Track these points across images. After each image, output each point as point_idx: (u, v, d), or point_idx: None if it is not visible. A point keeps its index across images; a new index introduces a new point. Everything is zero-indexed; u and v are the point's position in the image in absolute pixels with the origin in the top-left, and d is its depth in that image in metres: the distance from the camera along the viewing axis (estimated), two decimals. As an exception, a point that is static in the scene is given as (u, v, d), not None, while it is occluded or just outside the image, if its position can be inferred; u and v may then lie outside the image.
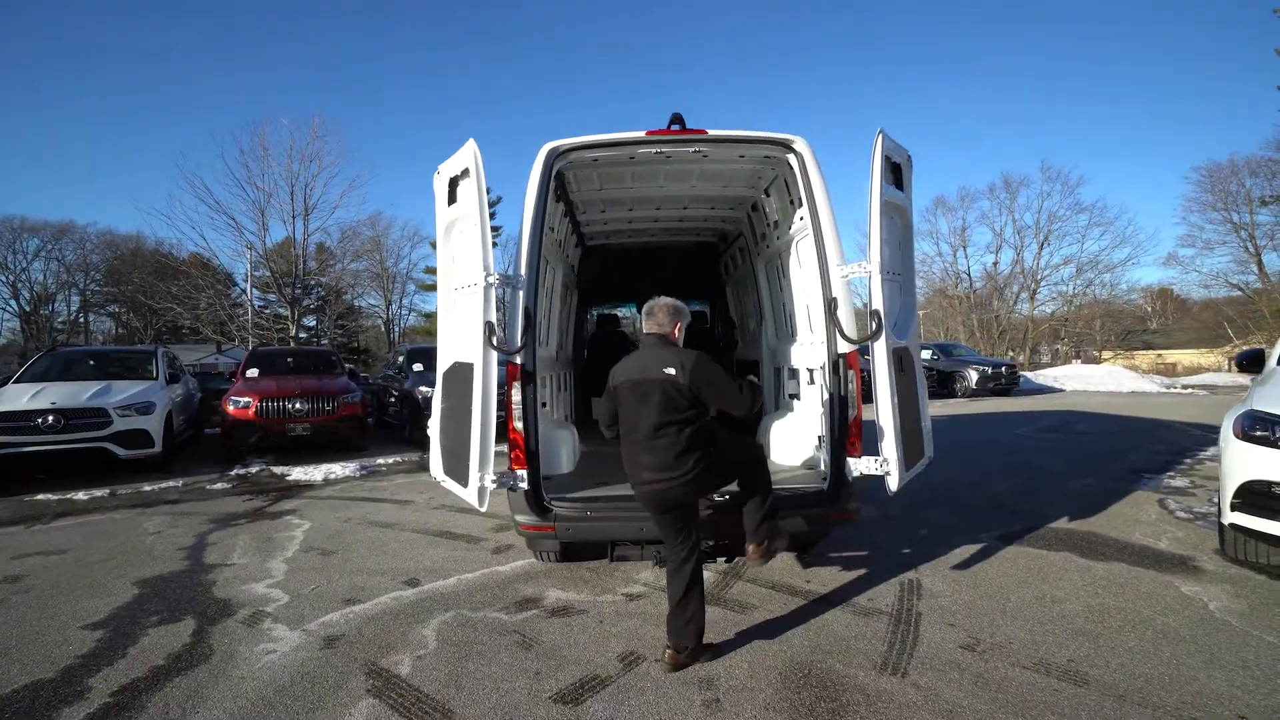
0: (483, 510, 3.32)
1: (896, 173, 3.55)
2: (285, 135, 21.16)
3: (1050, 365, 36.09)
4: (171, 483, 7.42)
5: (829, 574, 3.94)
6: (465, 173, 3.21)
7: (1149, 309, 50.08)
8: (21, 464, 7.35)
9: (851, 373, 3.25)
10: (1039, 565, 4.04)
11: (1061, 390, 20.36)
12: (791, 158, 3.54)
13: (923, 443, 3.60)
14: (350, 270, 37.29)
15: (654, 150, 3.45)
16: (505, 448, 3.45)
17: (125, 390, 8.02)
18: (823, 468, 3.79)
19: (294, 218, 20.68)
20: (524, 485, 3.21)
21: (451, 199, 3.37)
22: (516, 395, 3.25)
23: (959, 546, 4.42)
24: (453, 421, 3.34)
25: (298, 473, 7.84)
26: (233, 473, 8.01)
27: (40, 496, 6.79)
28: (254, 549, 4.82)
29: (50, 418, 7.22)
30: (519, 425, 3.24)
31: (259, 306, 23.94)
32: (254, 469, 8.19)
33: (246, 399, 8.52)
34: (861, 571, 3.98)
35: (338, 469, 7.88)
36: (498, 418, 3.25)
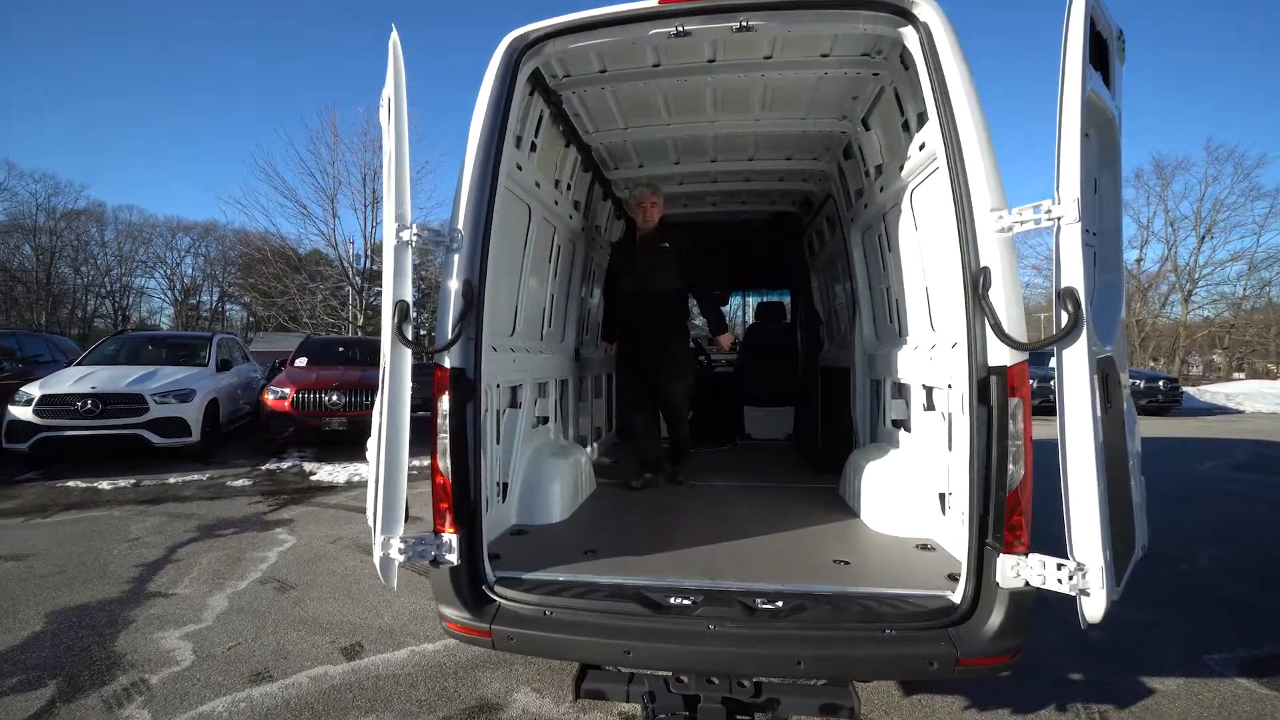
0: (393, 589, 2.21)
1: (1100, 54, 2.05)
2: (359, 121, 21.29)
3: (1202, 378, 30.58)
4: (197, 475, 7.04)
5: (950, 710, 2.48)
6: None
7: (1348, 315, 41.30)
8: (68, 447, 7.25)
9: (1017, 402, 1.80)
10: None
11: (1239, 411, 16.61)
12: (909, 37, 2.11)
13: (1133, 526, 2.09)
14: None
15: (672, 30, 2.15)
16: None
17: (168, 376, 7.80)
18: (948, 554, 2.33)
19: (365, 206, 20.90)
20: (451, 558, 2.05)
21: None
22: (445, 413, 2.09)
23: (1168, 676, 2.76)
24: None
25: (324, 472, 7.26)
26: (264, 467, 7.57)
27: (70, 483, 6.58)
28: (211, 573, 4.05)
29: (89, 402, 7.05)
30: (445, 463, 2.08)
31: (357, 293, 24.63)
32: (286, 464, 7.72)
33: (284, 390, 8.08)
34: (1004, 713, 2.49)
35: (364, 470, 7.20)
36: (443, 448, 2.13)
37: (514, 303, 3.11)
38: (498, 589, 2.07)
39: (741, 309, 11.18)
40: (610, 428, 5.40)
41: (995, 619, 1.79)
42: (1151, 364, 34.50)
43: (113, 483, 6.57)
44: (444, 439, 2.09)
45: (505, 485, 2.78)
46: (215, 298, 57.08)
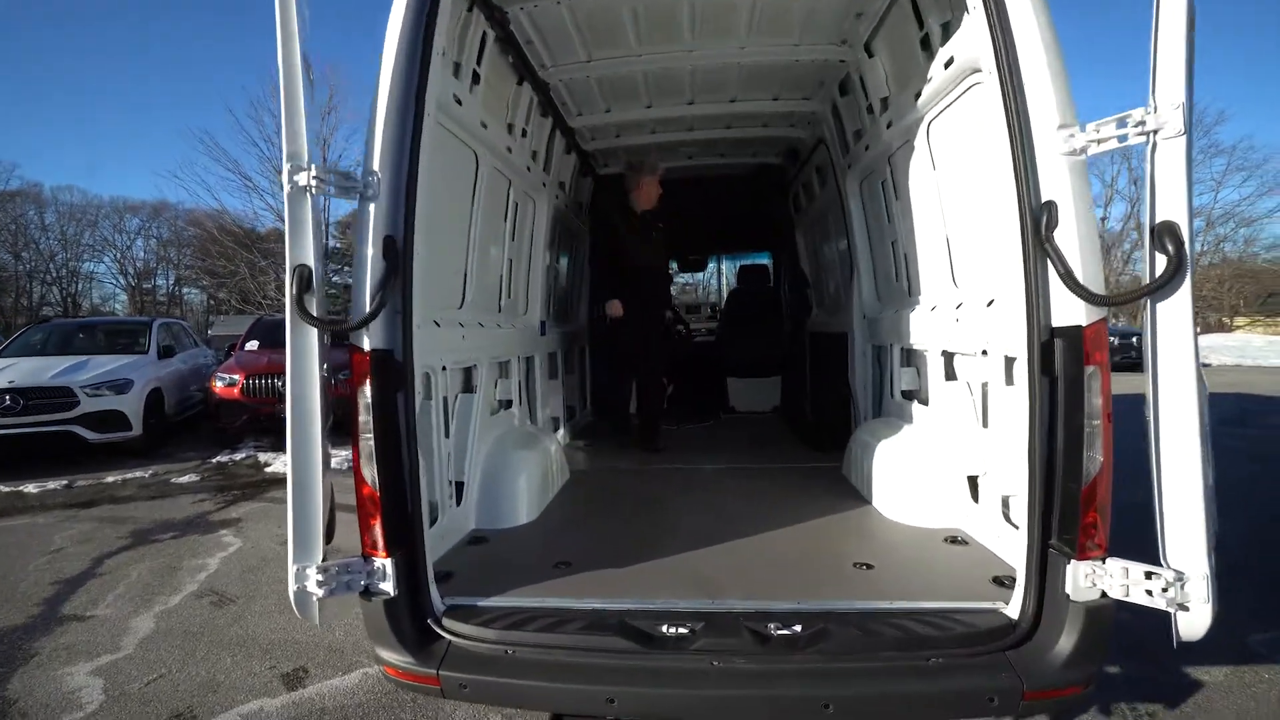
0: (318, 626, 1.80)
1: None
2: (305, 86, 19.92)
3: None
4: (139, 473, 6.46)
5: None
6: None
7: (1300, 268, 42.62)
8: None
9: (1093, 370, 1.44)
10: None
11: (1207, 365, 16.76)
12: None
13: (1205, 514, 1.76)
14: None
15: None
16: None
17: (101, 366, 7.13)
18: (984, 549, 2.00)
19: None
20: (386, 587, 1.64)
21: None
22: (367, 408, 1.66)
23: (1213, 665, 2.51)
24: None
25: (280, 463, 6.72)
26: (215, 460, 7.03)
27: (-8, 488, 5.97)
28: (140, 588, 3.59)
29: (7, 398, 6.37)
30: (371, 471, 1.65)
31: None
32: (239, 455, 7.18)
33: (233, 376, 7.47)
34: None
35: (323, 460, 6.71)
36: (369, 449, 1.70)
37: (462, 268, 2.64)
38: (448, 622, 1.67)
39: (718, 274, 10.68)
40: (585, 405, 5.00)
41: (1066, 640, 1.45)
42: (1116, 320, 35.29)
43: (41, 485, 5.97)
44: (369, 440, 1.66)
45: (460, 485, 2.36)
46: (171, 281, 54.51)
